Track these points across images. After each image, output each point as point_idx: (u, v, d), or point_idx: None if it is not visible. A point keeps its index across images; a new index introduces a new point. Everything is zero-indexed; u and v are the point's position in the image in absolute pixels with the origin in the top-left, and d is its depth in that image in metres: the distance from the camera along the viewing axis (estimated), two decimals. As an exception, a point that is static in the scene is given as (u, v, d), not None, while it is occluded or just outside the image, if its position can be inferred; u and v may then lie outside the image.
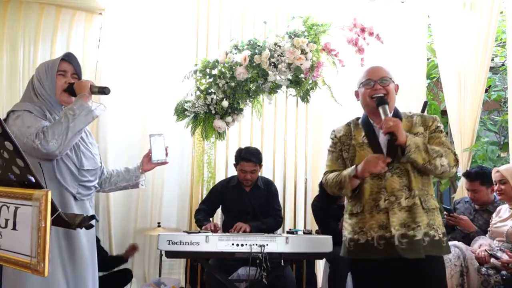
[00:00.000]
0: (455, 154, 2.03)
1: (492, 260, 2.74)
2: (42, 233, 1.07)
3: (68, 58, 2.01)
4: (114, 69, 4.07)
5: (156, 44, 4.11)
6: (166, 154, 2.23)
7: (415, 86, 4.12)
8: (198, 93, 3.54)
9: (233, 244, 2.71)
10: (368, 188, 2.02)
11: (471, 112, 3.95)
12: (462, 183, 3.81)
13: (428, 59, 4.51)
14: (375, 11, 4.10)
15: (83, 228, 1.45)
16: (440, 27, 4.17)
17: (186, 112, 3.58)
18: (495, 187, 3.01)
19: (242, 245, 2.70)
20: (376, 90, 2.06)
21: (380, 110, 1.99)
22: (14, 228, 1.15)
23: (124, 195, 3.93)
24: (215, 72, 3.48)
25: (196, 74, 3.54)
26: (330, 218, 3.41)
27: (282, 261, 2.80)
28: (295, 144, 4.21)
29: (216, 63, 3.50)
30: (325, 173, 2.18)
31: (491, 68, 4.57)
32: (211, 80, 3.50)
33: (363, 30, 3.38)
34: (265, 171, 3.93)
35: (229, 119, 3.57)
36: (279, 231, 3.57)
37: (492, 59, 4.45)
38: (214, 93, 3.48)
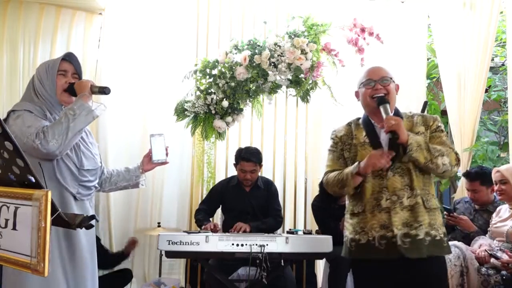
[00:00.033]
0: (456, 153, 2.03)
1: (492, 260, 2.74)
2: (42, 233, 1.07)
3: (69, 58, 2.01)
4: (114, 69, 4.07)
5: (156, 44, 4.11)
6: (167, 154, 2.23)
7: (415, 86, 4.12)
8: (198, 93, 3.54)
9: (233, 244, 2.71)
10: (370, 188, 2.01)
11: (471, 112, 3.95)
12: (462, 183, 3.81)
13: (428, 59, 4.51)
14: (375, 11, 4.10)
15: (83, 228, 1.45)
16: (440, 27, 4.17)
17: (186, 112, 3.58)
18: (495, 187, 3.01)
19: (242, 245, 2.70)
20: (376, 90, 2.05)
21: (381, 109, 1.99)
22: (14, 228, 1.14)
23: (124, 195, 3.93)
24: (215, 72, 3.48)
25: (196, 74, 3.54)
26: (330, 218, 3.41)
27: (282, 261, 2.80)
28: (295, 144, 4.21)
29: (216, 63, 3.50)
30: (326, 173, 2.17)
31: (491, 68, 4.57)
32: (211, 80, 3.50)
33: (363, 30, 3.38)
34: (265, 171, 3.93)
35: (229, 119, 3.57)
36: (279, 231, 3.57)
37: (492, 59, 4.45)
38: (214, 93, 3.48)
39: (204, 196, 3.75)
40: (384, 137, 2.03)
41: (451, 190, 4.63)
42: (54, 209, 1.14)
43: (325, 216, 3.45)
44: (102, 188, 2.20)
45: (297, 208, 4.17)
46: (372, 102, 2.06)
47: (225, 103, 3.45)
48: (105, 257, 3.60)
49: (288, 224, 4.08)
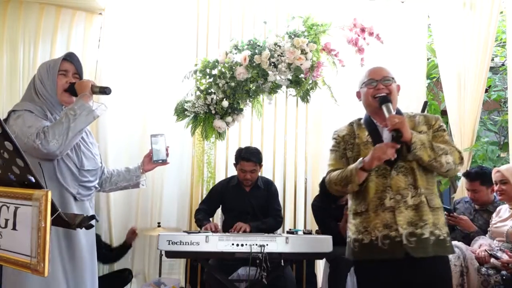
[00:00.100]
0: (459, 152, 2.03)
1: (492, 260, 2.74)
2: (42, 233, 1.07)
3: (70, 57, 2.01)
4: (114, 69, 4.07)
5: (156, 44, 4.11)
6: (167, 154, 2.23)
7: (415, 86, 4.12)
8: (198, 93, 3.54)
9: (233, 244, 2.71)
10: (373, 187, 2.00)
11: (471, 112, 3.95)
12: (462, 183, 3.81)
13: (428, 59, 4.51)
14: (375, 11, 4.10)
15: (83, 228, 1.45)
16: (440, 27, 4.17)
17: (186, 112, 3.58)
18: (496, 187, 3.01)
19: (242, 245, 2.70)
20: (378, 90, 2.05)
21: (384, 108, 1.98)
22: (14, 228, 1.14)
23: (124, 195, 3.93)
24: (215, 72, 3.48)
25: (196, 74, 3.54)
26: (330, 218, 3.41)
27: (282, 261, 2.80)
28: (295, 144, 4.20)
29: (216, 63, 3.50)
30: (328, 172, 2.15)
31: (491, 68, 4.57)
32: (211, 80, 3.50)
33: (363, 30, 3.38)
34: (265, 171, 3.93)
35: (229, 119, 3.57)
36: (279, 231, 3.57)
37: (492, 59, 4.46)
38: (214, 93, 3.48)
39: (204, 196, 3.75)
40: (386, 136, 2.03)
41: (451, 190, 4.63)
42: (54, 209, 1.14)
43: (325, 216, 3.45)
44: (102, 188, 2.20)
45: (297, 208, 4.16)
46: (374, 102, 2.05)
47: (225, 103, 3.45)
48: (107, 252, 3.61)
49: (288, 224, 4.08)
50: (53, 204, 1.11)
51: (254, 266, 2.66)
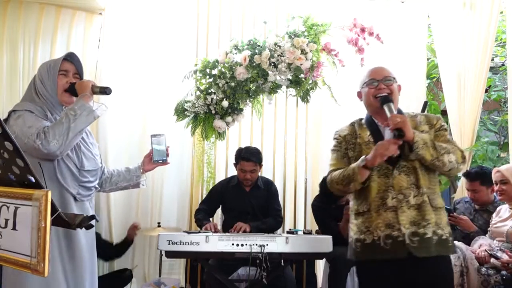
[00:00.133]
0: (462, 151, 2.02)
1: (492, 260, 2.74)
2: (42, 233, 1.07)
3: (70, 58, 2.01)
4: (114, 69, 4.07)
5: (156, 44, 4.11)
6: (167, 155, 2.23)
7: (415, 86, 4.11)
8: (198, 93, 3.54)
9: (233, 244, 2.71)
10: (375, 187, 1.99)
11: (471, 112, 3.95)
12: (462, 183, 3.81)
13: (428, 59, 4.51)
14: (375, 11, 4.10)
15: (83, 229, 1.45)
16: (440, 27, 4.17)
17: (186, 112, 3.58)
18: (496, 187, 3.01)
19: (242, 245, 2.70)
20: (380, 90, 2.05)
21: (385, 108, 1.98)
22: (14, 228, 1.14)
23: (124, 195, 3.93)
24: (215, 72, 3.48)
25: (196, 74, 3.54)
26: (330, 218, 3.41)
27: (282, 261, 2.80)
28: (295, 144, 4.20)
29: (216, 63, 3.50)
30: (330, 172, 2.14)
31: (491, 68, 4.57)
32: (211, 80, 3.50)
33: (363, 30, 3.38)
34: (265, 171, 3.93)
35: (229, 119, 3.57)
36: (279, 231, 3.57)
37: (492, 59, 4.46)
38: (214, 93, 3.48)
39: (204, 196, 3.75)
40: (388, 136, 2.01)
41: (451, 190, 4.63)
42: (54, 209, 1.14)
43: (325, 216, 3.45)
44: (102, 188, 2.20)
45: (297, 208, 4.16)
46: (376, 101, 2.05)
47: (225, 103, 3.45)
48: (109, 249, 3.62)
49: (288, 224, 4.08)
50: (53, 204, 1.11)
51: (254, 266, 2.66)
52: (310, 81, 3.46)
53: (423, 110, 3.40)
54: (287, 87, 3.58)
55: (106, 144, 3.95)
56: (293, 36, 3.37)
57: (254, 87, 3.49)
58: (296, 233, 2.98)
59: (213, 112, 3.51)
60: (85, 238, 1.93)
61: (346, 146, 2.13)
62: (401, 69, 3.94)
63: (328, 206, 3.45)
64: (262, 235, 2.79)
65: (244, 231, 3.11)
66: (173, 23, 4.14)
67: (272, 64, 3.37)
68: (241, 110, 3.61)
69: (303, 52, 3.33)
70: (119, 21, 4.11)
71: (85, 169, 1.94)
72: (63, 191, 1.87)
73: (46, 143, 1.75)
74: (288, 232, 3.13)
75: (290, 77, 3.46)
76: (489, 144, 4.43)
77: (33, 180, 1.15)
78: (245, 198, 3.46)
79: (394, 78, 2.10)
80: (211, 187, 3.70)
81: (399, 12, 4.23)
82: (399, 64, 4.02)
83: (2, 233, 1.17)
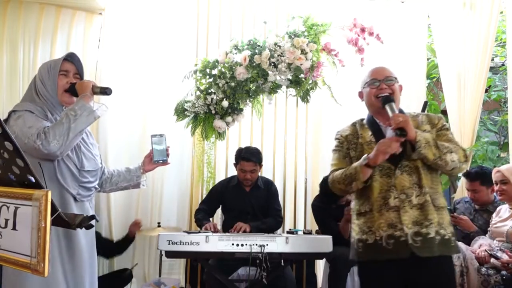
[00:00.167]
0: (464, 150, 2.01)
1: (492, 260, 2.74)
2: (42, 233, 1.06)
3: (71, 58, 2.00)
4: (114, 69, 4.07)
5: (156, 44, 4.10)
6: (168, 155, 2.23)
7: (415, 86, 4.11)
8: (198, 93, 3.54)
9: (233, 244, 2.71)
10: (377, 187, 1.98)
11: (471, 112, 3.95)
12: (462, 183, 3.81)
13: (428, 59, 4.51)
14: (375, 11, 4.10)
15: (83, 229, 1.45)
16: (440, 27, 4.17)
17: (186, 112, 3.58)
18: (496, 187, 3.01)
19: (242, 245, 2.70)
20: (381, 90, 2.05)
21: (387, 108, 1.98)
22: (14, 228, 1.14)
23: (124, 195, 3.93)
24: (215, 72, 3.48)
25: (196, 74, 3.54)
26: (330, 218, 3.41)
27: (282, 261, 2.80)
28: (295, 144, 4.21)
29: (216, 63, 3.50)
30: (331, 172, 2.13)
31: (491, 68, 4.58)
32: (211, 80, 3.50)
33: (363, 30, 3.38)
34: (265, 171, 3.93)
35: (229, 119, 3.57)
36: (279, 231, 3.57)
37: (492, 59, 4.46)
38: (214, 93, 3.48)
39: (204, 196, 3.75)
40: (390, 135, 2.01)
41: (451, 190, 4.63)
42: (54, 209, 1.14)
43: (325, 216, 3.45)
44: (102, 188, 2.20)
45: (297, 208, 4.16)
46: (377, 101, 2.05)
47: (225, 103, 3.44)
48: (110, 246, 3.62)
49: (288, 224, 4.08)
50: (53, 204, 1.11)
51: (254, 266, 2.66)
52: (310, 81, 3.46)
53: (423, 110, 3.40)
54: (287, 87, 3.58)
55: (106, 144, 3.95)
56: (293, 36, 3.37)
57: (254, 87, 3.49)
58: (296, 233, 2.98)
59: (213, 112, 3.51)
60: (85, 239, 1.93)
61: (348, 146, 2.13)
62: (401, 69, 3.93)
63: (328, 206, 3.45)
64: (262, 235, 2.79)
65: (244, 231, 3.11)
66: (173, 23, 4.14)
67: (272, 64, 3.37)
68: (241, 110, 3.61)
69: (303, 52, 3.33)
70: (119, 21, 4.11)
71: (85, 169, 1.94)
72: (63, 191, 1.86)
73: (46, 144, 1.75)
74: (288, 232, 3.13)
75: (290, 77, 3.46)
76: (489, 144, 4.43)
77: (33, 180, 1.15)
78: (245, 198, 3.46)
79: (395, 78, 2.10)
80: (211, 187, 3.70)
81: (399, 12, 4.23)
82: (399, 64, 4.02)
83: (2, 233, 1.17)
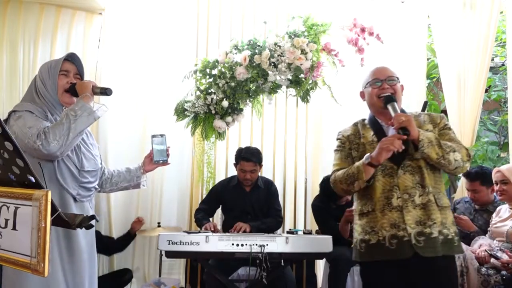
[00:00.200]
0: (467, 149, 2.00)
1: (492, 260, 2.74)
2: (42, 233, 1.06)
3: (71, 58, 2.00)
4: (114, 69, 4.07)
5: (156, 44, 4.11)
6: (168, 155, 2.23)
7: (415, 86, 4.12)
8: (198, 93, 3.54)
9: (233, 244, 2.71)
10: (380, 186, 1.98)
11: (471, 112, 3.95)
12: (462, 183, 3.81)
13: (428, 59, 4.51)
14: (375, 11, 4.09)
15: (83, 229, 1.45)
16: (440, 27, 4.17)
17: (186, 112, 3.57)
18: (496, 187, 3.01)
19: (242, 245, 2.70)
20: (383, 90, 2.04)
21: (389, 107, 1.97)
22: (14, 228, 1.14)
23: (124, 195, 3.93)
24: (215, 72, 3.48)
25: (196, 74, 3.54)
26: (330, 218, 3.41)
27: (282, 261, 2.80)
28: (295, 144, 4.21)
29: (216, 63, 3.50)
30: (333, 172, 2.12)
31: (491, 68, 4.58)
32: (211, 80, 3.49)
33: (363, 30, 3.38)
34: (265, 171, 3.93)
35: (229, 119, 3.57)
36: (279, 231, 3.57)
37: (492, 59, 4.46)
38: (214, 93, 3.48)
39: (204, 196, 3.75)
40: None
41: (451, 190, 4.64)
42: (54, 209, 1.14)
43: (325, 216, 3.45)
44: (102, 188, 2.20)
45: (297, 208, 4.16)
46: (379, 101, 2.04)
47: (225, 103, 3.44)
48: (110, 243, 3.63)
49: (288, 224, 4.08)
50: (53, 204, 1.11)
51: (254, 266, 2.66)
52: (310, 81, 3.46)
53: (423, 110, 3.39)
54: (287, 87, 3.57)
55: (106, 145, 3.96)
56: (293, 36, 3.36)
57: (254, 87, 3.49)
58: (296, 233, 2.99)
59: (213, 112, 3.51)
60: (84, 239, 1.93)
61: (350, 146, 2.12)
62: (401, 69, 3.92)
63: (328, 206, 3.45)
64: (262, 235, 2.79)
65: (244, 231, 3.11)
66: (173, 23, 4.14)
67: (272, 64, 3.37)
68: (241, 110, 3.61)
69: (303, 52, 3.32)
70: (119, 21, 4.11)
71: (85, 169, 1.94)
72: (63, 191, 1.86)
73: (46, 144, 1.75)
74: (288, 232, 3.13)
75: (290, 77, 3.46)
76: (489, 144, 4.44)
77: (33, 180, 1.15)
78: (245, 198, 3.46)
79: (397, 78, 2.10)
80: (211, 187, 3.70)
81: (399, 12, 4.23)
82: (399, 64, 4.01)
83: (2, 233, 1.17)
